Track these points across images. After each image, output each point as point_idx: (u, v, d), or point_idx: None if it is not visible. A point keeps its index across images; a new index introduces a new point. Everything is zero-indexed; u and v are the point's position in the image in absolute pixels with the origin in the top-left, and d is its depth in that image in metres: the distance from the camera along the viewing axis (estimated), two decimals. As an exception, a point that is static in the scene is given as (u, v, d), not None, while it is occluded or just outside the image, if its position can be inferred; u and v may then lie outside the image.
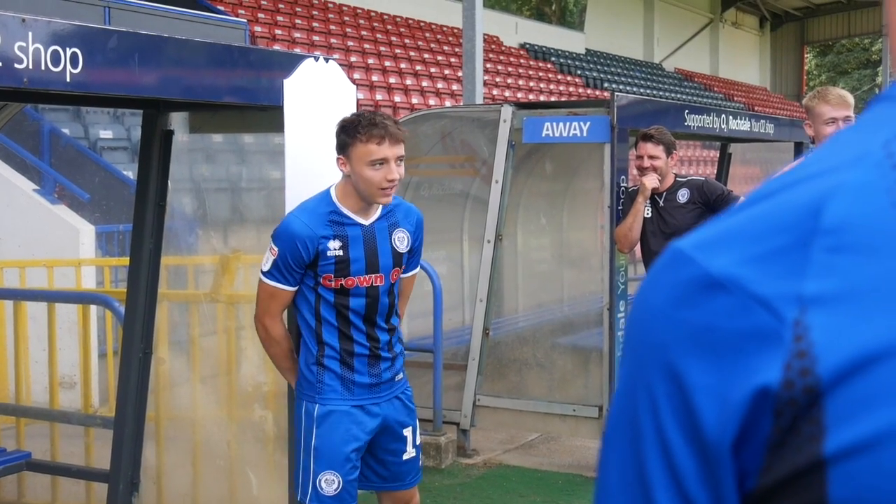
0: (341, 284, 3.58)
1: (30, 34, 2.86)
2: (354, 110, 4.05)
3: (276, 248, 3.56)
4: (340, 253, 3.57)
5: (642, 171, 5.66)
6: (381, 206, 3.67)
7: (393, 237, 3.70)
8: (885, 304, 0.59)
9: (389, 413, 3.75)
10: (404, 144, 3.61)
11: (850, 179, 0.63)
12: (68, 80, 2.96)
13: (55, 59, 2.92)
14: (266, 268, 3.59)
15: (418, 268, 3.95)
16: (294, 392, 3.80)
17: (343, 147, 3.57)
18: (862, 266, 0.60)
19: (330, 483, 3.60)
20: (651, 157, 5.62)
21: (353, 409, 3.65)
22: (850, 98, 4.84)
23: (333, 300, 3.60)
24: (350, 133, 3.54)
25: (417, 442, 3.91)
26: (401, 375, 3.82)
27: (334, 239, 3.57)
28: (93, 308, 5.78)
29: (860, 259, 0.61)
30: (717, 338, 0.63)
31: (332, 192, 3.65)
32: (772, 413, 0.60)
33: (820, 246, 0.62)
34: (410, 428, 3.85)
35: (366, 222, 3.64)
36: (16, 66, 2.83)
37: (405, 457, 3.85)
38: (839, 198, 0.62)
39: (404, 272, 3.80)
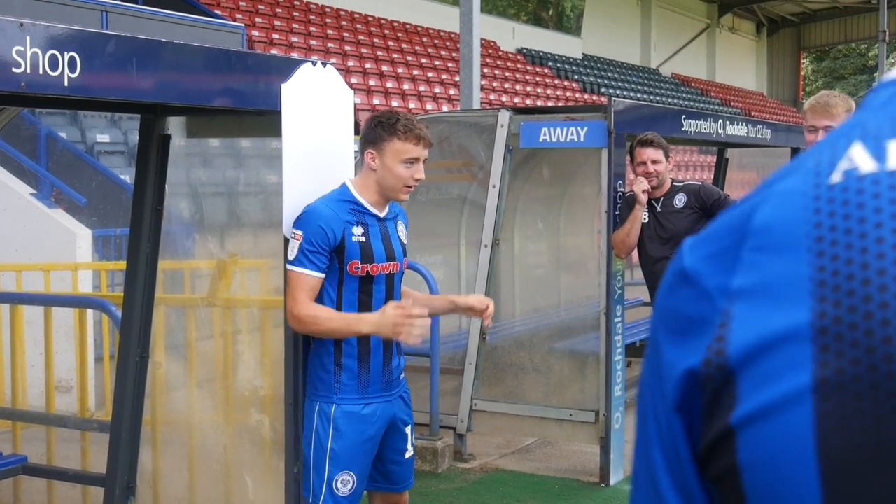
0: (367, 271, 3.67)
1: (27, 38, 2.86)
2: (352, 115, 4.06)
3: (300, 233, 3.60)
4: (363, 239, 3.67)
5: (647, 176, 5.66)
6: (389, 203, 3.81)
7: (398, 227, 3.86)
8: (786, 296, 0.68)
9: (395, 411, 3.82)
10: None
11: (777, 188, 0.73)
12: (66, 84, 2.96)
13: (53, 63, 2.92)
14: (292, 256, 3.61)
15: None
16: (288, 396, 3.80)
17: (376, 141, 3.69)
18: (774, 263, 0.69)
19: (346, 483, 3.66)
20: (654, 162, 5.64)
21: (368, 409, 3.71)
22: (839, 107, 4.78)
23: (358, 290, 3.67)
24: (388, 129, 3.66)
25: (414, 443, 4.00)
26: (403, 374, 3.92)
27: (357, 225, 3.68)
28: (89, 312, 5.78)
29: (774, 257, 0.70)
30: (680, 321, 0.74)
31: (350, 186, 3.76)
32: (698, 387, 0.71)
33: (748, 246, 0.71)
34: (410, 426, 3.93)
35: (381, 215, 3.77)
36: (13, 70, 2.83)
37: (407, 455, 3.92)
38: (766, 204, 0.72)
39: None
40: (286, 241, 3.79)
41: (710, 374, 0.70)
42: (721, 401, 0.69)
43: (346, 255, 3.63)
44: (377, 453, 3.82)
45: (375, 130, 3.70)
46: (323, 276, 3.63)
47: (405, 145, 3.66)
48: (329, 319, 3.62)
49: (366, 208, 3.72)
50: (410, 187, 3.72)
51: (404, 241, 3.88)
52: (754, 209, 0.72)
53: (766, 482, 0.67)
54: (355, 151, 4.22)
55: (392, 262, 3.76)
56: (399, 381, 3.85)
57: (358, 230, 3.67)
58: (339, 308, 3.68)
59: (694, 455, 0.72)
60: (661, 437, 0.74)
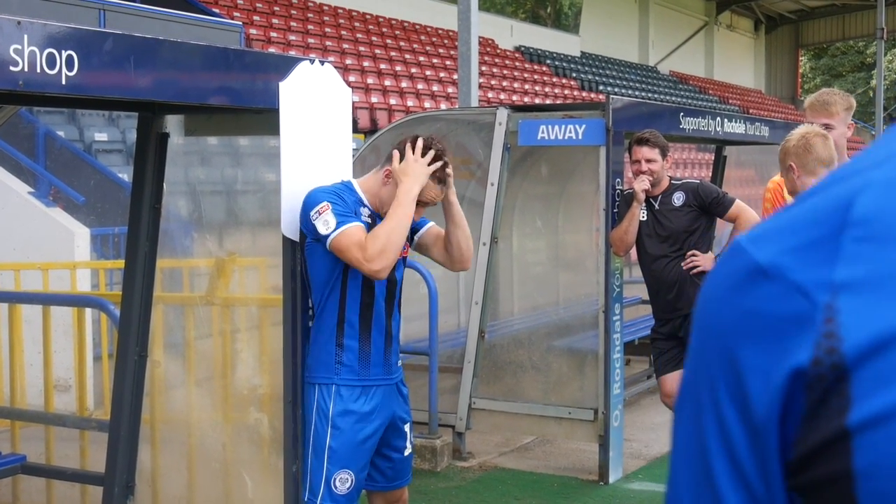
0: None
1: (25, 37, 2.85)
2: (350, 113, 4.05)
3: (324, 204, 3.61)
4: (370, 221, 3.72)
5: (640, 175, 5.64)
6: None
7: None
8: None
9: (394, 408, 3.83)
10: None
11: (878, 176, 0.68)
12: (64, 82, 2.95)
13: (51, 61, 2.92)
14: (331, 226, 3.58)
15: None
16: (286, 395, 3.79)
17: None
18: (885, 254, 0.65)
19: (344, 482, 3.66)
20: (648, 161, 5.62)
21: (367, 403, 3.71)
22: (837, 105, 4.78)
23: (362, 275, 3.69)
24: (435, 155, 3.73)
25: (413, 441, 4.02)
26: (401, 362, 3.94)
27: (364, 207, 3.76)
28: (88, 311, 5.78)
29: (884, 247, 0.66)
30: (763, 322, 0.69)
31: (356, 186, 3.82)
32: (804, 388, 0.66)
33: (849, 236, 0.67)
34: (409, 424, 3.94)
35: (381, 214, 3.80)
36: (11, 68, 2.82)
37: (405, 453, 3.93)
38: (867, 193, 0.68)
39: (419, 227, 3.99)
40: (285, 239, 3.78)
41: (822, 374, 0.65)
42: (829, 402, 0.65)
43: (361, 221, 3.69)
44: (376, 450, 3.83)
45: (402, 152, 3.75)
46: (363, 225, 3.66)
47: (429, 183, 3.76)
48: (391, 229, 3.60)
49: (368, 206, 3.78)
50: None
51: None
52: (853, 198, 0.68)
53: (889, 490, 0.62)
54: (354, 149, 4.23)
55: None
56: (398, 367, 3.88)
57: (365, 211, 3.75)
58: (342, 292, 3.70)
59: (782, 462, 0.68)
60: (730, 448, 0.70)
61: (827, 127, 4.78)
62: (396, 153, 3.76)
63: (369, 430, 3.72)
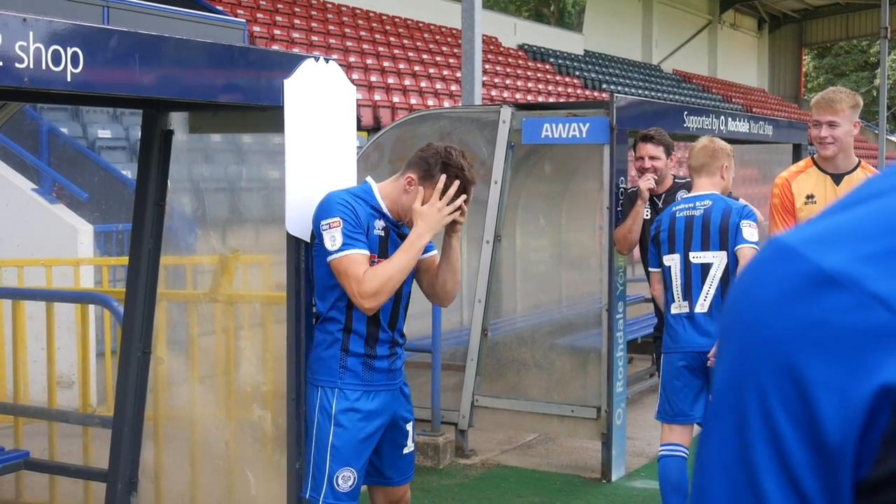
0: None
1: (31, 33, 2.86)
2: (354, 111, 4.05)
3: (336, 219, 3.57)
4: (383, 234, 3.69)
5: (643, 172, 5.64)
6: None
7: None
8: None
9: (396, 408, 3.83)
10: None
11: None
12: (69, 79, 2.96)
13: (56, 58, 2.92)
14: (336, 244, 3.54)
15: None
16: (289, 392, 3.79)
17: (425, 176, 3.67)
18: None
19: (346, 479, 3.66)
20: (652, 158, 5.61)
21: (370, 402, 3.71)
22: (843, 102, 4.81)
23: None
24: (447, 171, 3.66)
25: (415, 439, 4.01)
26: (403, 368, 3.93)
27: (379, 219, 3.70)
28: (91, 307, 5.78)
29: None
30: (833, 334, 0.64)
31: (374, 189, 3.77)
32: (891, 408, 0.62)
33: None
34: (411, 423, 3.93)
35: (397, 224, 3.77)
36: (17, 65, 2.83)
37: (405, 451, 3.92)
38: None
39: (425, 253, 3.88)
40: (289, 237, 3.78)
41: None
42: None
43: (367, 246, 3.64)
44: (378, 449, 3.83)
45: (430, 162, 3.69)
46: (369, 253, 3.62)
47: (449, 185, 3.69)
48: (391, 274, 3.56)
49: (385, 214, 3.73)
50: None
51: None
52: None
53: None
54: (357, 147, 4.22)
55: None
56: (401, 371, 3.87)
57: (379, 224, 3.70)
58: (349, 315, 3.67)
59: (854, 483, 0.64)
60: (788, 467, 0.65)
61: (832, 125, 4.80)
62: (417, 174, 3.69)
63: (371, 429, 3.72)
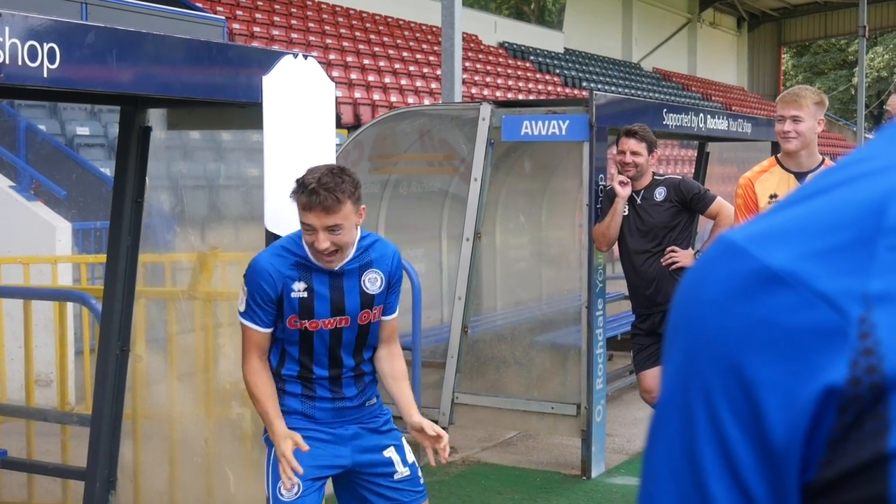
0: (305, 327, 3.47)
1: (7, 29, 2.84)
2: (333, 108, 4.05)
3: (246, 288, 3.45)
4: (305, 295, 3.44)
5: (624, 166, 5.65)
6: (352, 248, 3.48)
7: (363, 278, 3.53)
8: None
9: (356, 451, 3.61)
10: (345, 211, 3.32)
11: None
12: (45, 75, 2.94)
13: (32, 54, 2.91)
14: (241, 308, 3.49)
15: (397, 312, 3.69)
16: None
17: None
18: None
19: (290, 488, 3.43)
20: (633, 154, 5.62)
21: (318, 435, 3.54)
22: (807, 98, 4.88)
23: (299, 342, 3.51)
24: (294, 190, 3.36)
25: (410, 460, 3.73)
26: (373, 400, 3.69)
27: (299, 281, 3.43)
28: (69, 305, 5.75)
29: None
30: (778, 333, 0.62)
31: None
32: (836, 409, 0.61)
33: (885, 244, 0.61)
34: (392, 448, 3.70)
35: (335, 269, 3.46)
36: (-8, 61, 2.81)
37: (397, 476, 3.68)
38: None
39: (384, 314, 3.63)
40: (268, 234, 3.78)
41: (859, 395, 0.60)
42: (863, 424, 0.60)
43: (284, 310, 3.44)
44: (367, 485, 3.64)
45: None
46: (269, 330, 3.47)
47: (301, 211, 3.35)
48: (258, 401, 3.48)
49: (313, 263, 3.43)
50: (325, 255, 3.37)
51: (372, 291, 3.54)
52: (887, 203, 0.62)
53: None
54: (337, 144, 4.21)
55: (340, 317, 3.49)
56: (362, 407, 3.65)
57: (299, 286, 3.43)
58: (281, 359, 3.53)
59: (800, 485, 0.63)
60: (734, 469, 0.64)
61: (795, 119, 4.86)
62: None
63: (321, 451, 3.53)
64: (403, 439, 3.77)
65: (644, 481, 0.70)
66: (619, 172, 5.69)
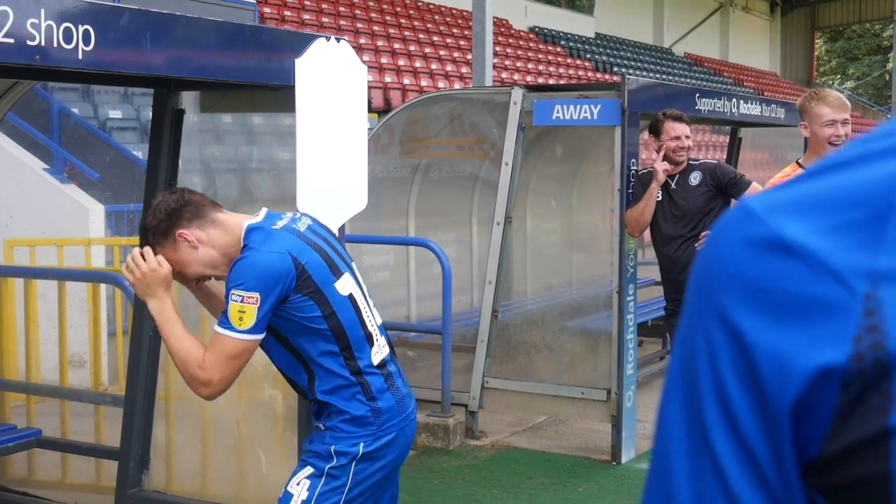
0: None
1: (42, 11, 2.85)
2: (365, 92, 4.04)
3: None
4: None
5: (677, 151, 5.63)
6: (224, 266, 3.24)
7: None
8: None
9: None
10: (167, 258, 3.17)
11: None
12: (80, 57, 2.96)
13: (67, 36, 2.92)
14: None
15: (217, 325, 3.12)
16: None
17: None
18: None
19: None
20: (687, 137, 5.67)
21: None
22: (848, 101, 4.96)
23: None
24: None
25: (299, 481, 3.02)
26: (318, 424, 3.08)
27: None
28: (103, 286, 5.79)
29: None
30: (780, 299, 0.63)
31: None
32: (839, 384, 0.61)
33: None
34: (300, 465, 3.10)
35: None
36: (28, 43, 2.83)
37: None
38: None
39: None
40: None
41: (863, 371, 0.60)
42: (868, 400, 0.61)
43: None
44: None
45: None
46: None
47: None
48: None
49: None
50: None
51: None
52: None
53: None
54: (368, 129, 4.21)
55: None
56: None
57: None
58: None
59: (801, 460, 0.64)
60: (734, 426, 0.64)
61: (846, 122, 4.93)
62: None
63: None
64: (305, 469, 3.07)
65: (658, 433, 0.71)
66: (665, 159, 5.65)
